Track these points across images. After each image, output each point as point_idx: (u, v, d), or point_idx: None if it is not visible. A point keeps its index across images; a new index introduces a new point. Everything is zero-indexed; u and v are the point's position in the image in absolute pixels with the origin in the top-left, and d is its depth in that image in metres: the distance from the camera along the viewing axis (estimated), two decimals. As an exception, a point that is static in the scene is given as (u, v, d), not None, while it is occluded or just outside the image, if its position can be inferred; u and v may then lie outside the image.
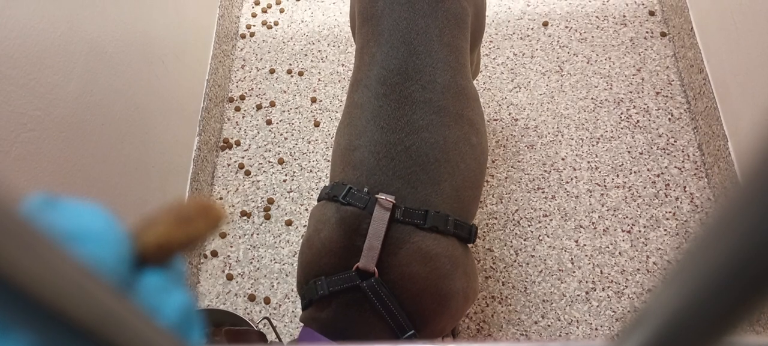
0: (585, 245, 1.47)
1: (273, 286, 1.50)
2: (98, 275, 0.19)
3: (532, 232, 1.50)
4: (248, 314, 1.46)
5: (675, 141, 1.59)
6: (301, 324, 0.95)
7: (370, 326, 0.89)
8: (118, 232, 0.22)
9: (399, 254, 0.90)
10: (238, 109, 1.78)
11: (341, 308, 0.90)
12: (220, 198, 1.64)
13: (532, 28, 1.82)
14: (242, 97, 1.79)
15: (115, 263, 0.22)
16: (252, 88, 1.81)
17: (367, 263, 0.88)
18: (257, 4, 1.98)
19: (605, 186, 1.54)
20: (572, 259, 1.45)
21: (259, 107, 1.77)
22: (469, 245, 1.00)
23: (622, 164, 1.57)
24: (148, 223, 0.24)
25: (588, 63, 1.73)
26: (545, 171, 1.58)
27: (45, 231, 0.16)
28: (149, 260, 0.24)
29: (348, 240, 0.91)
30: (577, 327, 1.38)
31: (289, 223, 1.57)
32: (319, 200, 1.01)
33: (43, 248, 0.16)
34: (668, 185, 1.53)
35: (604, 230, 1.48)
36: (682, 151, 1.57)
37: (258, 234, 1.57)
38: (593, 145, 1.60)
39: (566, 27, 1.81)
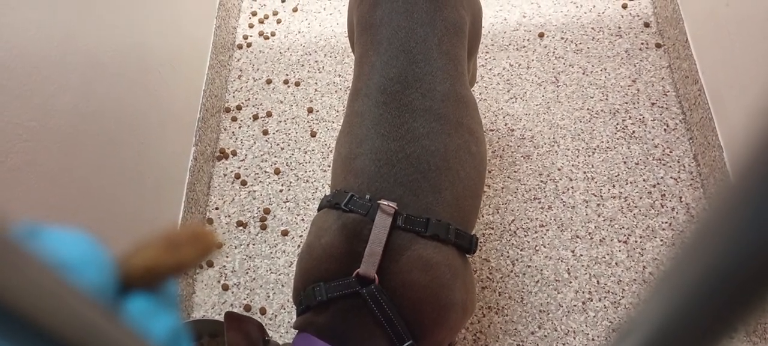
0: (581, 255, 1.47)
1: (269, 296, 1.49)
2: (85, 293, 0.19)
3: (528, 242, 1.50)
4: (244, 324, 1.46)
5: (671, 152, 1.59)
6: (295, 332, 0.94)
7: (368, 333, 0.88)
8: (101, 258, 0.22)
9: (400, 261, 0.89)
10: (234, 119, 1.78)
11: (339, 314, 0.89)
12: (216, 208, 1.63)
13: (528, 39, 1.82)
14: (239, 108, 1.79)
15: (99, 289, 0.22)
16: (248, 99, 1.81)
17: (367, 269, 0.88)
18: (254, 14, 1.99)
19: (601, 196, 1.54)
20: (569, 269, 1.45)
21: (255, 117, 1.77)
22: (468, 257, 1.00)
23: (618, 175, 1.57)
24: (139, 247, 0.25)
25: (584, 74, 1.74)
26: (541, 181, 1.58)
27: (32, 252, 0.16)
28: (138, 284, 0.24)
29: (349, 246, 0.90)
30: (574, 338, 1.37)
31: (285, 233, 1.57)
32: (319, 208, 1.00)
33: (30, 268, 0.16)
34: (664, 195, 1.53)
35: (600, 240, 1.48)
36: (678, 162, 1.58)
37: (254, 244, 1.57)
38: (589, 156, 1.60)
39: (562, 38, 1.81)
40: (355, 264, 0.89)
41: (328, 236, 0.93)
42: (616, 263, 1.45)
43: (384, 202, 0.90)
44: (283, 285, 1.50)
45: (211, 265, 1.55)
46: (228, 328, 0.87)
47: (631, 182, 1.56)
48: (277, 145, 1.71)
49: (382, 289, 0.88)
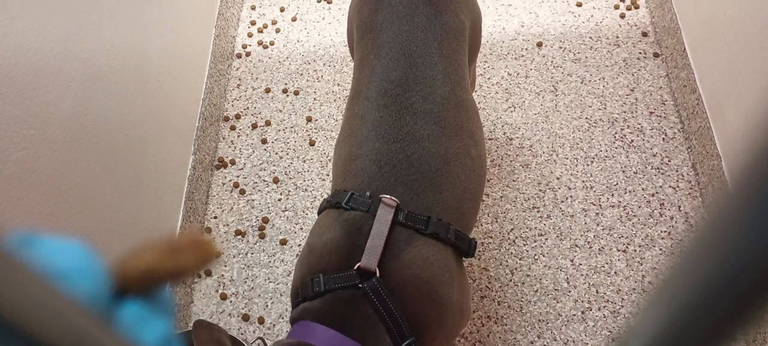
0: (580, 264, 1.47)
1: (267, 306, 1.49)
2: (77, 302, 0.19)
3: (527, 251, 1.49)
4: (242, 334, 1.45)
5: (669, 161, 1.60)
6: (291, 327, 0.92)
7: (370, 325, 0.87)
8: (96, 267, 0.22)
9: (400, 256, 0.89)
10: (233, 128, 1.78)
11: (338, 302, 0.88)
12: (215, 217, 1.63)
13: (526, 49, 1.83)
14: (238, 116, 1.80)
15: (93, 297, 0.22)
16: (247, 107, 1.81)
17: (368, 262, 0.87)
18: (253, 23, 1.99)
19: (600, 205, 1.54)
20: (568, 278, 1.45)
21: (254, 126, 1.77)
22: (465, 264, 1.00)
23: (617, 184, 1.57)
24: (139, 250, 0.25)
25: (582, 83, 1.74)
26: (540, 190, 1.58)
27: (25, 262, 0.16)
28: (134, 288, 0.24)
29: (350, 240, 0.90)
30: (573, 347, 1.37)
31: (283, 242, 1.56)
32: (319, 210, 1.00)
33: (22, 276, 0.16)
34: (663, 204, 1.53)
35: (599, 249, 1.48)
36: (677, 171, 1.58)
37: (252, 253, 1.56)
38: (588, 165, 1.60)
39: (560, 47, 1.82)
40: (356, 258, 0.89)
41: (329, 233, 0.93)
42: (615, 273, 1.45)
43: (386, 196, 0.90)
44: (281, 294, 1.50)
45: (209, 274, 1.54)
46: (196, 337, 0.84)
47: (629, 191, 1.56)
48: (276, 154, 1.71)
49: (383, 282, 0.87)
